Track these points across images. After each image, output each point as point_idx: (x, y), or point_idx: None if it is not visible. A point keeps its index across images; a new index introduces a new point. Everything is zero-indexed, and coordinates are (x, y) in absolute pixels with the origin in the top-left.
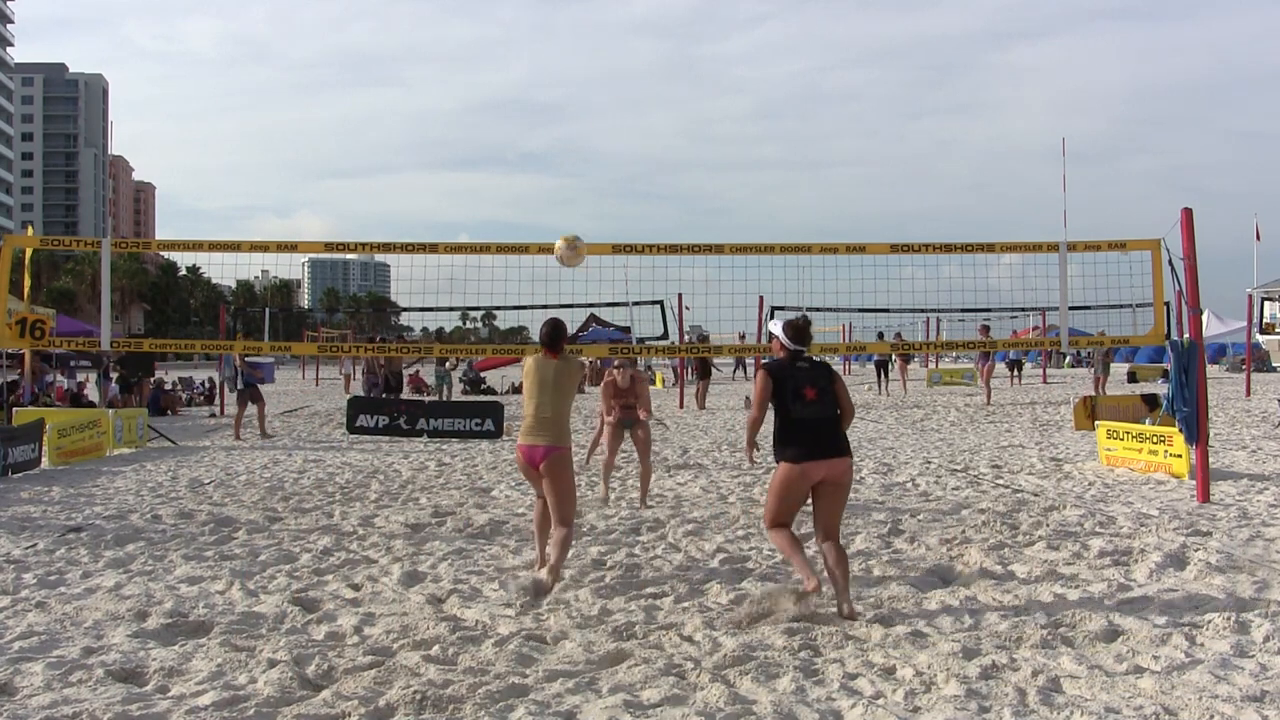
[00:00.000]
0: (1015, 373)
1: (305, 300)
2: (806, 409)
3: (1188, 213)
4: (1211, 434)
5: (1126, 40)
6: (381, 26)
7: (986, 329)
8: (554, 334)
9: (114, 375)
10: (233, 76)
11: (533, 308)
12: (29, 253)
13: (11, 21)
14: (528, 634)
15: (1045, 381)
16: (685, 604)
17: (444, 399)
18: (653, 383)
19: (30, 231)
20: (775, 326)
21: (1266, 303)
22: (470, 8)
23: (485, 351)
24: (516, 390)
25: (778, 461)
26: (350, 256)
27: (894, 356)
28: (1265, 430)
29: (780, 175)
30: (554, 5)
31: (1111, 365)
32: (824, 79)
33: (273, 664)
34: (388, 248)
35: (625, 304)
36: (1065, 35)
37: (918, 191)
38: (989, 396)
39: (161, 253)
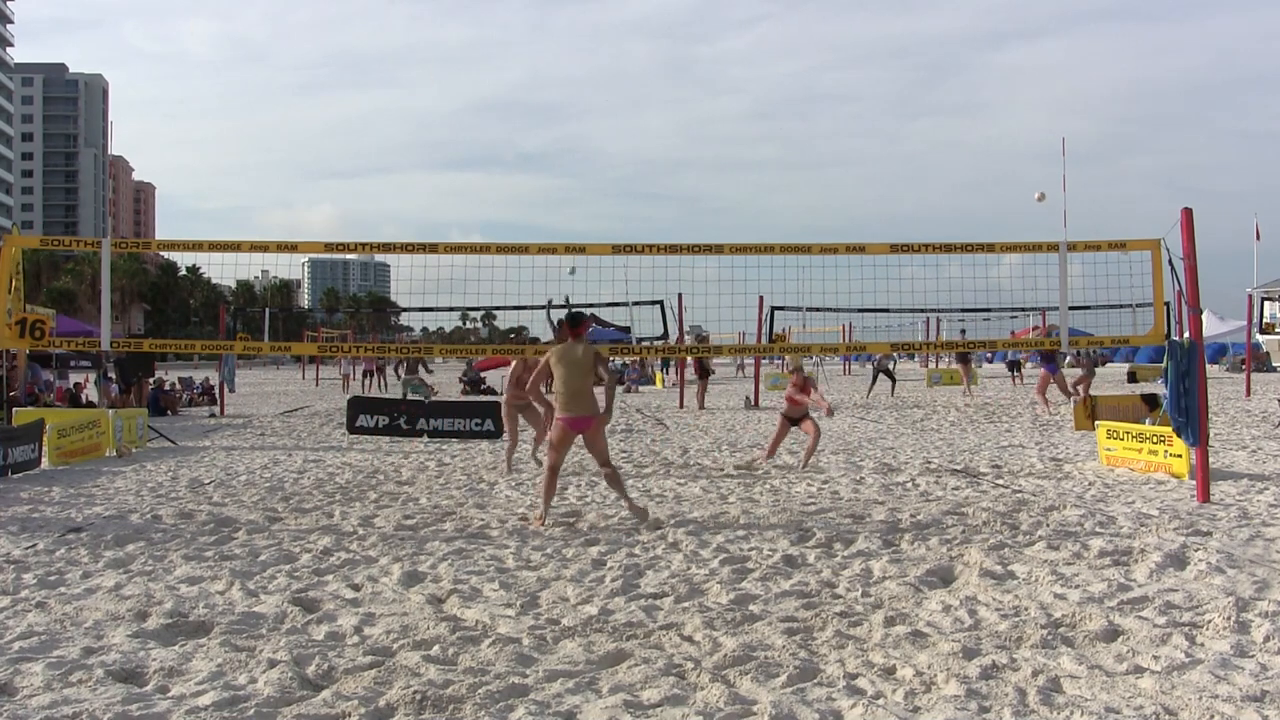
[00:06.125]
0: (1015, 373)
1: (305, 300)
2: None
3: (1188, 213)
4: (1211, 434)
5: (1125, 40)
6: (379, 27)
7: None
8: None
9: (112, 377)
10: (231, 77)
11: (533, 308)
12: (15, 252)
13: (11, 21)
14: (528, 634)
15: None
16: (685, 604)
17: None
18: (652, 382)
19: (15, 231)
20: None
21: (1266, 303)
22: (467, 8)
23: (485, 351)
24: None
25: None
26: (350, 256)
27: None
28: (1265, 430)
29: (779, 175)
30: (551, 6)
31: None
32: (821, 79)
33: (273, 664)
34: (388, 248)
35: (625, 304)
36: (1063, 35)
37: (917, 192)
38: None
39: (161, 253)
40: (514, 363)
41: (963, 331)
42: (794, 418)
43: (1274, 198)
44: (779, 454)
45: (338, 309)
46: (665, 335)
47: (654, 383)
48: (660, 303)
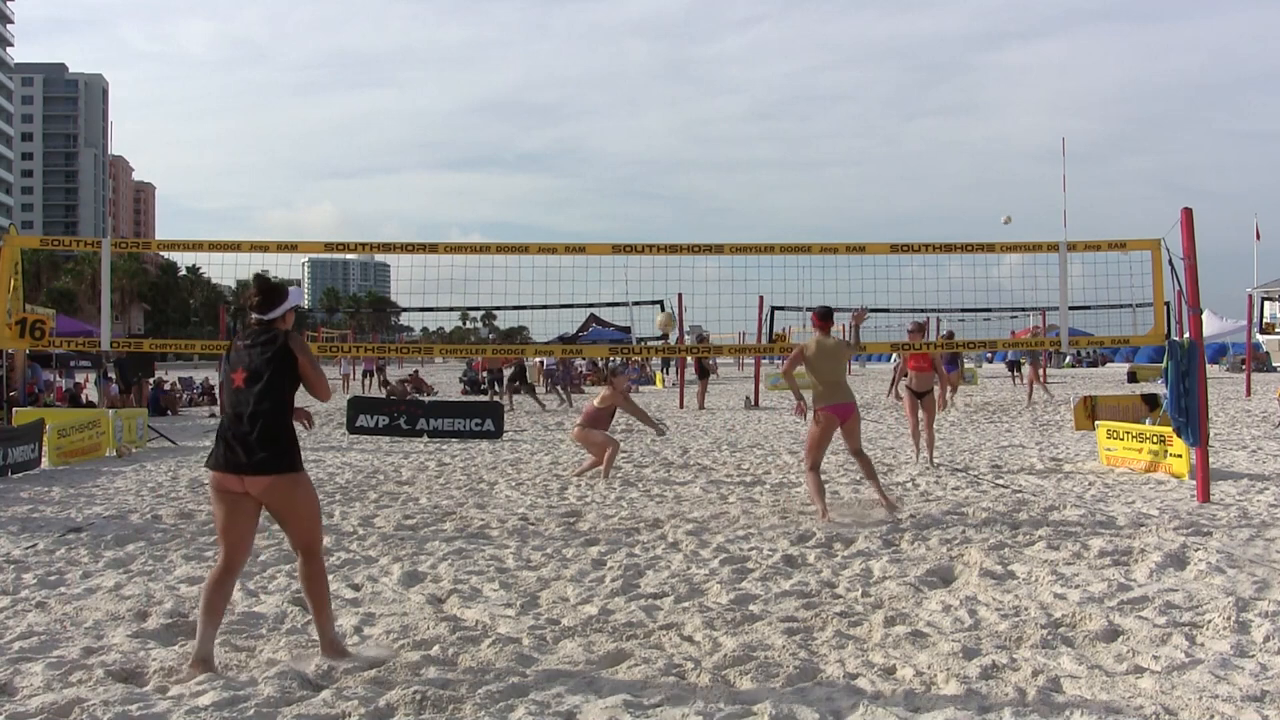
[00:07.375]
0: (1015, 373)
1: (305, 300)
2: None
3: (1188, 213)
4: (1211, 434)
5: (1125, 40)
6: (377, 28)
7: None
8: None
9: (112, 377)
10: (230, 78)
11: (533, 308)
12: (14, 252)
13: (11, 21)
14: (528, 634)
15: (1045, 381)
16: (685, 604)
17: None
18: (652, 382)
19: (14, 231)
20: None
21: (1266, 303)
22: (466, 9)
23: (485, 351)
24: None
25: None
26: (350, 256)
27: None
28: (1265, 430)
29: (778, 175)
30: (550, 6)
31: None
32: (819, 79)
33: (273, 664)
34: (388, 248)
35: (625, 304)
36: (1063, 35)
37: (916, 192)
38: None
39: (161, 253)
40: (605, 390)
41: (950, 334)
42: (921, 391)
43: (1274, 198)
44: (779, 452)
45: (338, 309)
46: (665, 335)
47: (654, 383)
48: (660, 303)
